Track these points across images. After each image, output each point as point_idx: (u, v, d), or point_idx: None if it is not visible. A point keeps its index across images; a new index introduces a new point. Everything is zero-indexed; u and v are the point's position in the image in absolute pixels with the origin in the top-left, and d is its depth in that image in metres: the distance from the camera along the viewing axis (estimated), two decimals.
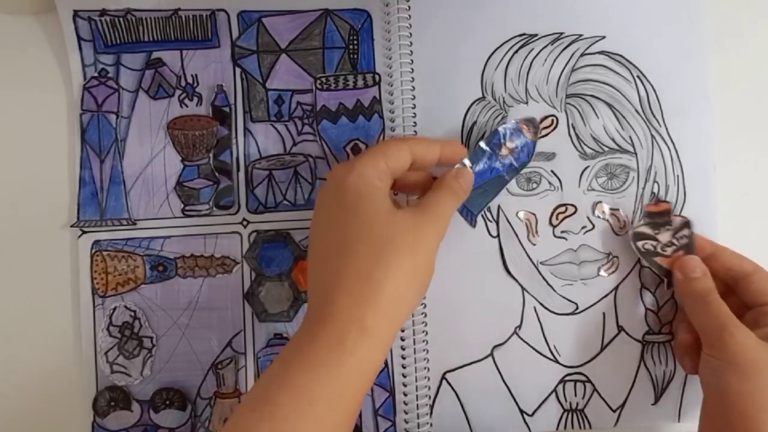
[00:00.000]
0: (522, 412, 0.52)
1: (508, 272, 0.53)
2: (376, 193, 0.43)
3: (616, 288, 0.53)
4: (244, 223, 0.52)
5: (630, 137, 0.53)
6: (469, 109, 0.53)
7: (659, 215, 0.51)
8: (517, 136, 0.50)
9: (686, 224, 0.51)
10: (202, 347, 0.51)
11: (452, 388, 0.52)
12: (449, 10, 0.54)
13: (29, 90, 0.53)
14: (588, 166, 0.53)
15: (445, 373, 0.52)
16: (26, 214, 0.52)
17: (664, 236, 0.50)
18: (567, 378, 0.52)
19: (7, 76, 0.53)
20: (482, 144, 0.50)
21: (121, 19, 0.52)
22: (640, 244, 0.51)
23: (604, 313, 0.53)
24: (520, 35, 0.54)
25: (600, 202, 0.53)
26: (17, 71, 0.53)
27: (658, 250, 0.51)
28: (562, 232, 0.53)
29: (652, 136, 0.53)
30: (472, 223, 0.52)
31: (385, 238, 0.41)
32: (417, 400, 0.52)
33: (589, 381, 0.52)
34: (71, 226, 0.51)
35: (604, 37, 0.54)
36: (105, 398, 0.50)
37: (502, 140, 0.50)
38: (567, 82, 0.53)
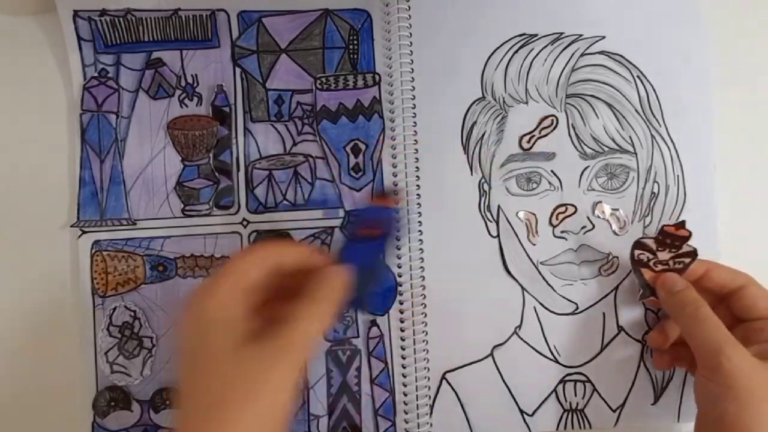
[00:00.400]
0: (522, 412, 0.52)
1: (508, 272, 0.53)
2: (219, 327, 0.37)
3: (616, 288, 0.53)
4: (244, 223, 0.52)
5: (630, 137, 0.53)
6: (469, 109, 0.53)
7: (674, 238, 0.50)
8: (374, 213, 0.47)
9: (692, 254, 0.49)
10: None
11: (452, 388, 0.52)
12: (449, 10, 0.54)
13: (29, 90, 0.53)
14: (588, 166, 0.53)
15: (445, 373, 0.52)
16: (26, 214, 0.52)
17: (664, 255, 0.50)
18: (567, 378, 0.52)
19: (7, 76, 0.53)
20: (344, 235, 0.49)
21: (121, 19, 0.52)
22: (636, 252, 0.50)
23: (604, 313, 0.53)
24: (520, 35, 0.54)
25: (600, 202, 0.53)
26: (17, 71, 0.53)
27: (650, 264, 0.50)
28: (562, 232, 0.53)
29: (652, 136, 0.53)
30: (362, 309, 0.51)
31: (222, 386, 0.36)
32: (417, 400, 0.52)
33: (589, 381, 0.52)
34: (71, 226, 0.51)
35: (604, 37, 0.54)
36: (105, 398, 0.50)
37: (360, 226, 0.46)
38: (567, 82, 0.53)
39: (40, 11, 0.52)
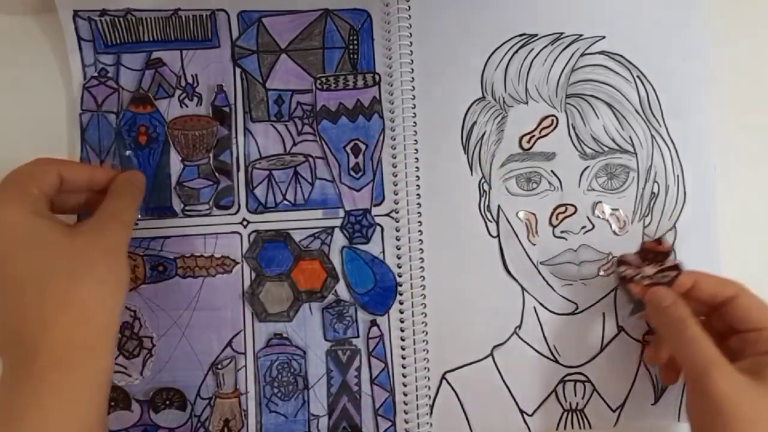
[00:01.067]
0: (522, 412, 0.52)
1: (508, 272, 0.53)
2: (24, 224, 0.40)
3: (616, 288, 0.53)
4: (244, 223, 0.52)
5: (630, 137, 0.53)
6: (469, 109, 0.53)
7: (655, 254, 0.50)
8: None
9: (676, 268, 0.49)
10: (201, 347, 0.51)
11: (452, 388, 0.52)
12: (449, 9, 0.54)
13: (29, 90, 0.53)
14: (588, 166, 0.53)
15: (445, 373, 0.52)
16: None
17: (649, 270, 0.50)
18: (567, 378, 0.52)
19: (7, 76, 0.53)
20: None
21: (121, 19, 0.52)
22: (621, 268, 0.50)
23: (604, 313, 0.53)
24: (521, 35, 0.54)
25: (600, 202, 0.53)
26: (17, 71, 0.53)
27: (636, 278, 0.50)
28: (562, 232, 0.53)
29: (652, 136, 0.53)
30: None
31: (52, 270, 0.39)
32: (417, 400, 0.52)
33: (589, 381, 0.52)
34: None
35: (604, 38, 0.54)
36: None
37: None
38: (567, 82, 0.53)
39: (40, 11, 0.52)
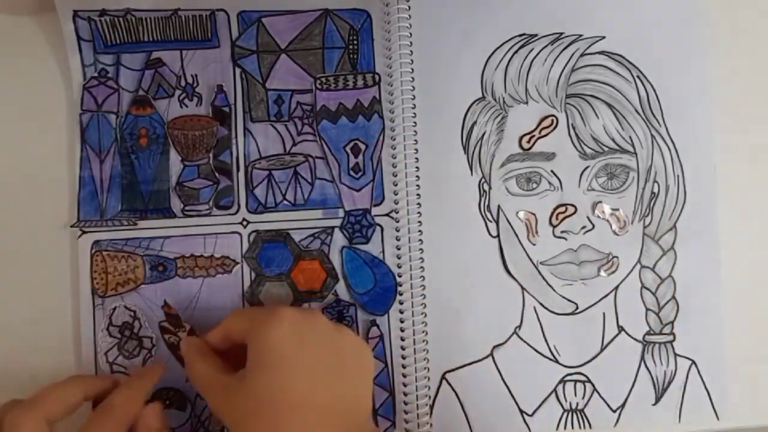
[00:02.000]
0: (522, 412, 0.52)
1: (508, 272, 0.53)
2: None
3: (617, 288, 0.53)
4: (244, 223, 0.52)
5: (630, 137, 0.53)
6: (469, 109, 0.53)
7: (173, 318, 0.51)
8: None
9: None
10: None
11: (452, 388, 0.52)
12: (449, 9, 0.54)
13: (29, 90, 0.53)
14: (588, 166, 0.53)
15: (445, 373, 0.52)
16: (26, 215, 0.52)
17: (183, 334, 0.51)
18: (567, 378, 0.52)
19: (6, 76, 0.53)
20: None
21: (120, 19, 0.52)
22: (166, 336, 0.51)
23: (604, 313, 0.53)
24: (520, 35, 0.54)
25: (600, 202, 0.53)
26: (17, 71, 0.53)
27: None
28: (562, 232, 0.53)
29: (652, 136, 0.53)
30: None
31: None
32: (417, 400, 0.52)
33: (589, 381, 0.52)
34: (71, 227, 0.51)
35: (603, 38, 0.54)
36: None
37: None
38: (567, 82, 0.53)
39: (40, 11, 0.52)
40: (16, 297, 0.52)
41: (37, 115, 0.52)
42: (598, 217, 0.53)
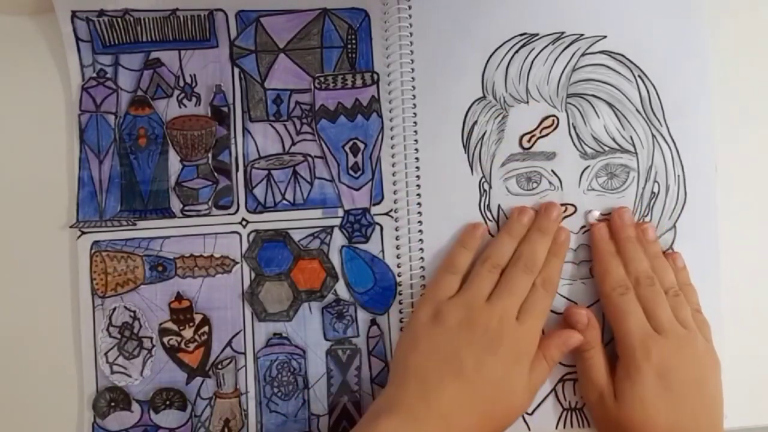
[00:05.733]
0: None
1: None
2: None
3: None
4: (244, 222, 0.52)
5: (631, 137, 0.53)
6: (469, 108, 0.53)
7: (181, 312, 0.51)
8: None
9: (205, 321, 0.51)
10: None
11: None
12: (449, 8, 0.53)
13: (28, 90, 0.53)
14: (588, 166, 0.53)
15: None
16: (26, 215, 0.52)
17: (188, 333, 0.51)
18: (566, 377, 0.52)
19: (5, 76, 0.53)
20: None
21: (119, 19, 0.52)
22: (165, 339, 0.51)
23: (603, 313, 0.53)
24: (521, 35, 0.53)
25: (591, 211, 0.53)
26: (15, 72, 0.53)
27: (182, 345, 0.51)
28: None
29: (653, 135, 0.53)
30: None
31: None
32: None
33: (579, 375, 0.52)
34: (70, 227, 0.51)
35: (605, 37, 0.54)
36: (105, 399, 0.51)
37: None
38: (568, 81, 0.53)
39: (40, 11, 0.52)
40: (16, 298, 0.52)
41: (36, 116, 0.53)
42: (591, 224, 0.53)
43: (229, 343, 0.51)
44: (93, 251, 0.51)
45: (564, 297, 0.53)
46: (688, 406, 0.48)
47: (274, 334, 0.52)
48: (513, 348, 0.48)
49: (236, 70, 0.52)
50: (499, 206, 0.53)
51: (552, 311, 0.52)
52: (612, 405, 0.48)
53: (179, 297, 0.51)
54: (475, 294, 0.49)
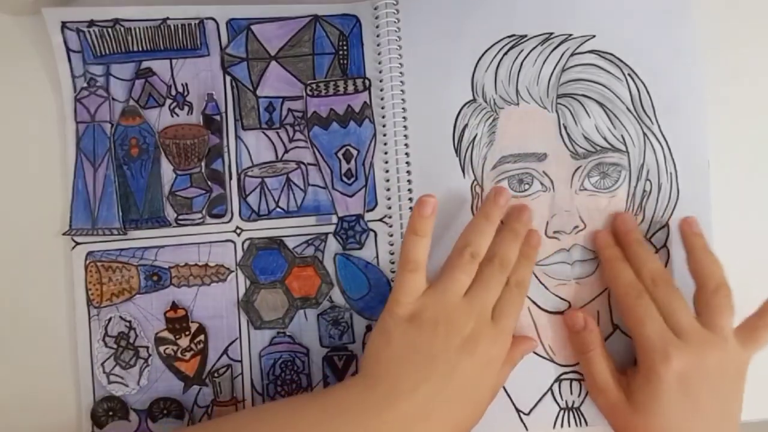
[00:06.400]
0: (518, 411, 0.53)
1: None
2: None
3: None
4: (238, 231, 0.52)
5: (622, 136, 0.53)
6: (460, 111, 0.53)
7: (177, 321, 0.51)
8: None
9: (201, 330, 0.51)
10: None
11: None
12: (438, 13, 0.53)
13: (25, 95, 0.52)
14: (580, 166, 0.53)
15: None
16: (18, 224, 0.52)
17: (184, 342, 0.51)
18: (563, 377, 0.53)
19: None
20: None
21: (109, 29, 0.52)
22: (161, 348, 0.51)
23: (598, 312, 0.53)
24: (510, 36, 0.54)
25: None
26: (15, 72, 0.53)
27: (178, 354, 0.51)
28: (555, 232, 0.53)
29: (644, 134, 0.53)
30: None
31: None
32: None
33: (585, 379, 0.53)
34: (63, 234, 0.51)
35: (594, 36, 0.54)
36: (103, 408, 0.51)
37: None
38: (558, 82, 0.53)
39: (30, 12, 0.52)
40: (11, 308, 0.52)
41: (30, 123, 0.52)
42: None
43: (225, 352, 0.51)
44: (87, 261, 0.51)
45: (559, 297, 0.53)
46: (706, 412, 0.47)
47: (278, 333, 0.52)
48: (488, 350, 0.47)
49: (228, 79, 0.53)
50: None
51: (547, 311, 0.53)
52: (626, 409, 0.48)
53: (175, 306, 0.51)
54: (453, 289, 0.47)
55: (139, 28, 0.52)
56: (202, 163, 0.52)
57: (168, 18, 0.52)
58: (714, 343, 0.47)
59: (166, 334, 0.51)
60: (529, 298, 0.53)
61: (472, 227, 0.50)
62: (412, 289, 0.47)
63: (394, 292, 0.48)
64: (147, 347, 0.51)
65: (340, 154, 0.52)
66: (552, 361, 0.53)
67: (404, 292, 0.47)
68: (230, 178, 0.52)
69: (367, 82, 0.53)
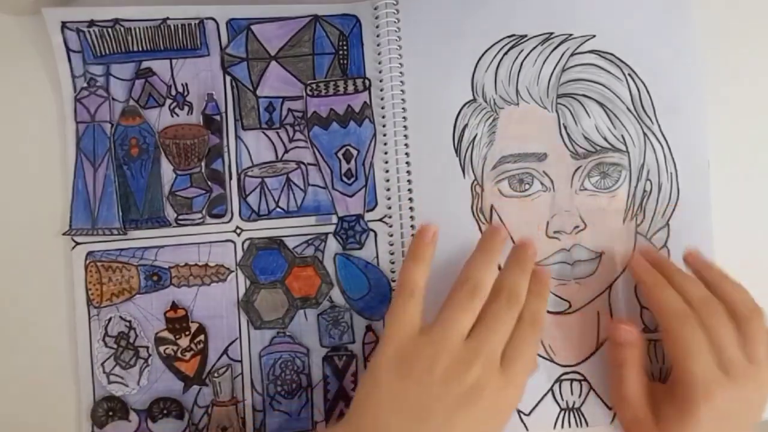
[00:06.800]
0: (518, 411, 0.53)
1: None
2: None
3: (610, 286, 0.53)
4: (238, 231, 0.52)
5: (622, 136, 0.53)
6: (460, 111, 0.53)
7: (177, 321, 0.51)
8: None
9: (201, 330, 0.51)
10: None
11: None
12: (438, 13, 0.53)
13: (25, 94, 0.52)
14: (580, 166, 0.53)
15: None
16: (18, 224, 0.52)
17: (184, 341, 0.51)
18: (563, 377, 0.53)
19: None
20: None
21: (109, 29, 0.52)
22: (161, 348, 0.51)
23: (598, 312, 0.53)
24: (510, 36, 0.54)
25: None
26: (15, 72, 0.53)
27: (178, 354, 0.51)
28: (555, 232, 0.53)
29: (644, 133, 0.53)
30: None
31: None
32: None
33: (585, 380, 0.53)
34: (63, 234, 0.51)
35: (594, 36, 0.54)
36: (103, 408, 0.51)
37: None
38: (558, 82, 0.53)
39: (31, 12, 0.52)
40: (10, 308, 0.52)
41: (29, 122, 0.52)
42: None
43: (225, 352, 0.51)
44: (87, 261, 0.51)
45: (559, 297, 0.53)
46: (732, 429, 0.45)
47: (278, 333, 0.52)
48: (494, 402, 0.42)
49: (228, 79, 0.53)
50: (492, 208, 0.53)
51: (552, 312, 0.53)
52: (652, 428, 0.47)
53: (174, 306, 0.51)
54: (452, 329, 0.43)
55: (139, 28, 0.52)
56: (202, 163, 0.52)
57: (168, 18, 0.52)
58: (756, 378, 0.45)
59: (166, 334, 0.51)
60: None
61: (472, 261, 0.47)
62: (406, 321, 0.44)
63: (387, 326, 0.45)
64: (147, 347, 0.51)
65: (340, 154, 0.52)
66: (552, 361, 0.53)
67: (398, 327, 0.44)
68: (230, 178, 0.52)
69: (367, 82, 0.53)
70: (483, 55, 0.53)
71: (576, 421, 0.53)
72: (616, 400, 0.50)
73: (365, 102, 0.53)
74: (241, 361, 0.51)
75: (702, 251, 0.53)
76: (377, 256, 0.52)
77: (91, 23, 0.52)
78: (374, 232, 0.52)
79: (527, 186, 0.53)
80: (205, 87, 0.52)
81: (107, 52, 0.52)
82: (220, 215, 0.52)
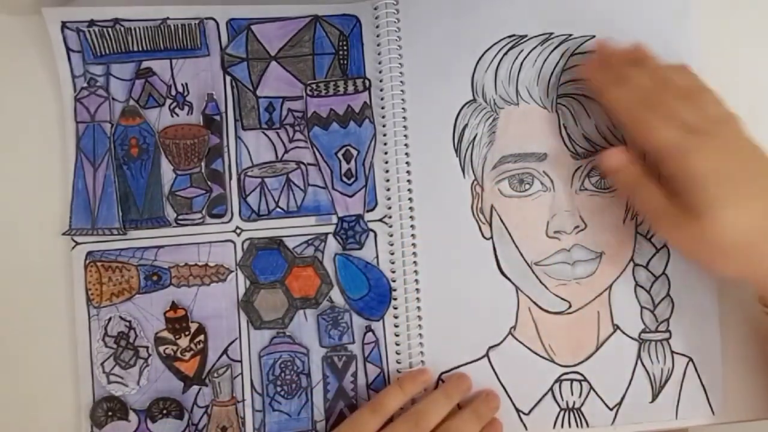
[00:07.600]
0: (518, 411, 0.53)
1: (502, 273, 0.53)
2: None
3: (610, 286, 0.53)
4: (238, 231, 0.52)
5: (622, 135, 0.53)
6: (460, 112, 0.53)
7: (177, 321, 0.51)
8: None
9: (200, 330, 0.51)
10: None
11: None
12: (438, 13, 0.53)
13: (24, 94, 0.52)
14: (580, 166, 0.53)
15: (441, 374, 0.52)
16: (18, 224, 0.52)
17: (184, 341, 0.51)
18: (563, 377, 0.53)
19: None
20: None
21: (109, 29, 0.52)
22: (161, 348, 0.51)
23: (598, 312, 0.53)
24: (510, 36, 0.54)
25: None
26: (15, 72, 0.53)
27: (178, 354, 0.51)
28: (555, 232, 0.53)
29: None
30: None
31: None
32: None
33: (586, 380, 0.53)
34: (63, 234, 0.51)
35: (594, 36, 0.54)
36: (102, 408, 0.51)
37: None
38: (558, 82, 0.53)
39: (31, 12, 0.52)
40: (10, 308, 0.52)
41: (30, 122, 0.52)
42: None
43: (225, 352, 0.51)
44: (87, 261, 0.51)
45: (559, 297, 0.53)
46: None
47: (278, 333, 0.52)
48: None
49: (228, 79, 0.53)
50: (492, 208, 0.53)
51: (547, 311, 0.53)
52: (689, 219, 0.45)
53: (174, 306, 0.51)
54: None
55: (139, 28, 0.52)
56: (202, 163, 0.52)
57: (168, 18, 0.52)
58: (727, 130, 0.47)
59: (165, 334, 0.51)
60: (530, 298, 0.53)
61: (428, 400, 0.50)
62: (361, 429, 0.48)
63: (344, 427, 0.49)
64: (147, 347, 0.51)
65: (340, 154, 0.52)
66: (552, 361, 0.53)
67: (353, 428, 0.49)
68: (230, 178, 0.52)
69: (367, 82, 0.53)
70: (483, 55, 0.54)
71: (576, 421, 0.53)
72: (652, 221, 0.50)
73: (365, 102, 0.53)
74: (240, 361, 0.51)
75: None
76: (377, 257, 0.52)
77: (91, 23, 0.52)
78: (374, 232, 0.52)
79: (527, 186, 0.53)
80: (205, 87, 0.52)
81: (107, 52, 0.52)
82: (220, 215, 0.52)
